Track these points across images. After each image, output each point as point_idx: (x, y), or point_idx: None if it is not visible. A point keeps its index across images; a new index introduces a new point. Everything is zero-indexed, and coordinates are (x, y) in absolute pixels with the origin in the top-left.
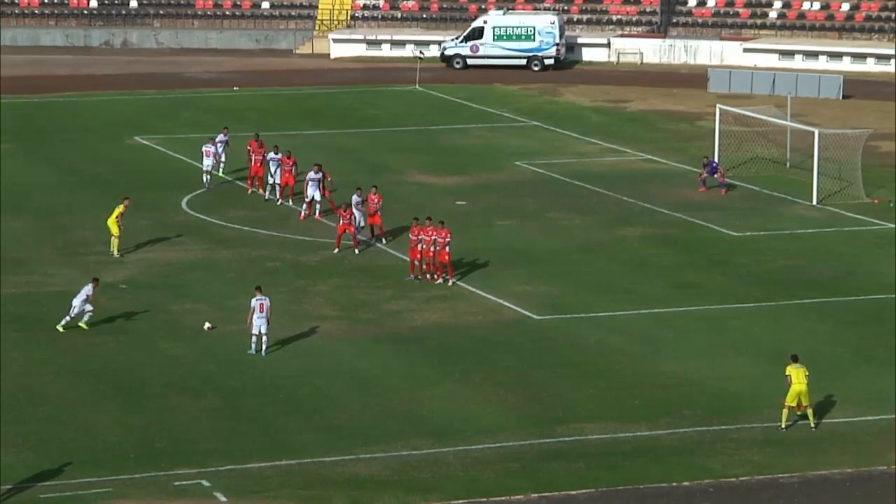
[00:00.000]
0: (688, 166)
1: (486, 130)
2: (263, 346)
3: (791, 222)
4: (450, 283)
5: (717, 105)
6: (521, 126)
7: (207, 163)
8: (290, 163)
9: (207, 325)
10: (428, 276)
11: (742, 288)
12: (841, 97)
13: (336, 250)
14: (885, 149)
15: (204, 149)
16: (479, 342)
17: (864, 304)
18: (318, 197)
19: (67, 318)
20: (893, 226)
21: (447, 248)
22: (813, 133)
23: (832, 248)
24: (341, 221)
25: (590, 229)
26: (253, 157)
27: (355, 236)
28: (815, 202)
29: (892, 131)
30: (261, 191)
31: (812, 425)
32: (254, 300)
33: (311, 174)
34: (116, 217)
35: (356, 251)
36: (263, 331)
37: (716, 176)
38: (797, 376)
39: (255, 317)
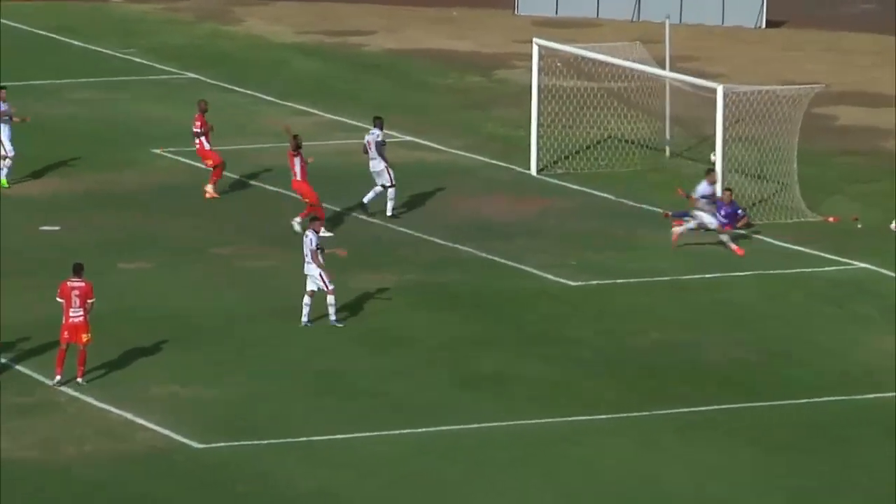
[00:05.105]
0: (482, 156)
1: (97, 89)
2: None
3: (672, 260)
4: (80, 382)
5: (534, 39)
6: (165, 81)
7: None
8: None
9: None
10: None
11: (584, 385)
12: (763, 24)
13: None
14: (845, 120)
15: None
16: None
17: (806, 411)
18: None
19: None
20: (869, 266)
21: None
22: (714, 91)
23: (747, 308)
24: None
25: (299, 274)
26: None
27: None
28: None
29: (863, 87)
30: None
31: None
32: None
33: None
34: None
35: None
36: None
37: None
38: None
39: None
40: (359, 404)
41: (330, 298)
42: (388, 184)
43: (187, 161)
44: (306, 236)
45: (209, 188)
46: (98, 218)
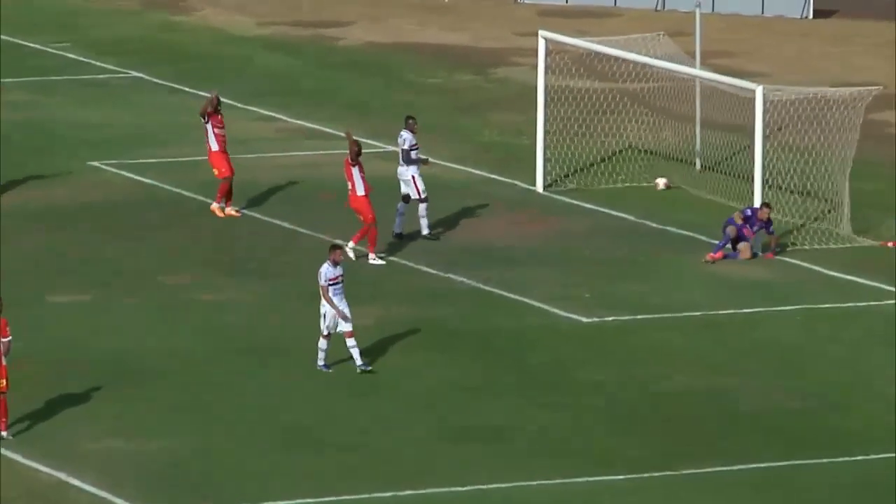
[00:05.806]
0: (478, 170)
1: (28, 90)
2: None
3: (703, 292)
4: (4, 436)
5: (540, 32)
6: (104, 80)
7: None
8: None
9: None
10: None
11: (599, 439)
12: (810, 13)
13: None
14: None
15: None
16: None
17: (859, 468)
18: None
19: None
20: None
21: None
22: (753, 93)
23: (792, 349)
24: None
25: (263, 308)
26: None
27: None
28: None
29: None
30: None
31: None
32: None
33: None
34: None
35: None
36: None
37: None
38: None
39: None
40: (331, 462)
41: (349, 341)
42: (418, 197)
43: (130, 175)
44: (322, 269)
45: (215, 205)
46: (24, 241)
